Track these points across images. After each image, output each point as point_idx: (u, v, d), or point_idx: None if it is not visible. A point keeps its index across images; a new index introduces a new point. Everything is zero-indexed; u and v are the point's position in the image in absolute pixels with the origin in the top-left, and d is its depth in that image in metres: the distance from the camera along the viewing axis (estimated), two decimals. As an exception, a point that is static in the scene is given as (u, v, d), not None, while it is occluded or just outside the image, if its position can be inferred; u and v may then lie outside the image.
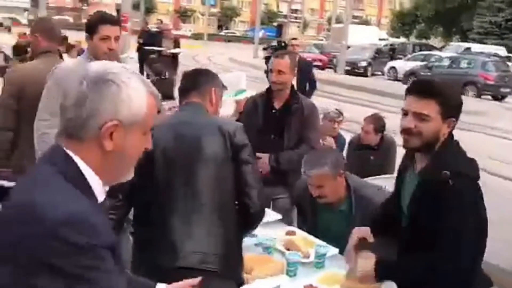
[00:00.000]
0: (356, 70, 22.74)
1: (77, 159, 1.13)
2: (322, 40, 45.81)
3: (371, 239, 2.15)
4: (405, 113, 1.90)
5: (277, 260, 2.37)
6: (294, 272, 2.28)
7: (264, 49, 16.23)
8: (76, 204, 1.07)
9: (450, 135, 1.91)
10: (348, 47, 24.71)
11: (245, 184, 2.06)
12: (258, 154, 3.26)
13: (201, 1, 58.67)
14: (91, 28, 2.85)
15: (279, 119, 3.28)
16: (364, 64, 23.31)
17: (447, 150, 1.88)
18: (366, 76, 22.63)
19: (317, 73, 17.25)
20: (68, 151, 1.13)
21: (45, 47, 3.19)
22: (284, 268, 2.27)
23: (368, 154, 4.47)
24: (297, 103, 3.28)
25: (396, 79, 21.42)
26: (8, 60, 8.26)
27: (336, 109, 5.02)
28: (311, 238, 2.67)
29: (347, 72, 21.91)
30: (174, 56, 10.12)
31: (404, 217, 2.01)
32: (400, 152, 2.54)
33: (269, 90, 3.36)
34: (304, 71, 6.98)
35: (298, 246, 2.50)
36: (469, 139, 9.68)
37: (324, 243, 2.50)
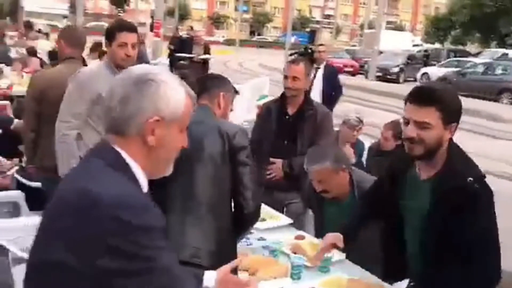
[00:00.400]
0: (388, 76, 22.48)
1: (123, 153, 1.24)
2: (355, 46, 45.42)
3: (341, 244, 2.28)
4: (406, 122, 1.90)
5: (282, 263, 2.41)
6: (298, 276, 2.31)
7: (291, 55, 16.26)
8: (128, 188, 1.19)
9: (452, 140, 1.93)
10: (381, 52, 24.51)
11: (241, 185, 2.14)
12: (271, 160, 3.33)
13: (234, 8, 59.25)
14: (110, 35, 2.99)
15: (292, 125, 3.33)
16: (396, 70, 23.02)
17: (456, 155, 1.90)
18: (398, 82, 22.34)
19: (347, 79, 17.23)
20: (115, 147, 1.24)
21: (69, 53, 3.35)
22: (288, 271, 2.32)
23: (387, 160, 4.45)
24: (311, 109, 3.32)
25: (428, 86, 21.10)
26: (43, 65, 8.57)
27: (357, 117, 5.02)
28: (314, 240, 2.72)
29: (379, 78, 21.70)
30: (205, 62, 10.28)
31: (416, 222, 1.99)
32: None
33: (283, 96, 3.41)
34: (330, 77, 7.00)
35: (304, 250, 2.53)
36: (504, 148, 9.49)
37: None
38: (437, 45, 39.24)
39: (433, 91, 1.88)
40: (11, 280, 2.77)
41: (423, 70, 22.85)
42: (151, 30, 19.89)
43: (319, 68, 7.31)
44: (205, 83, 2.41)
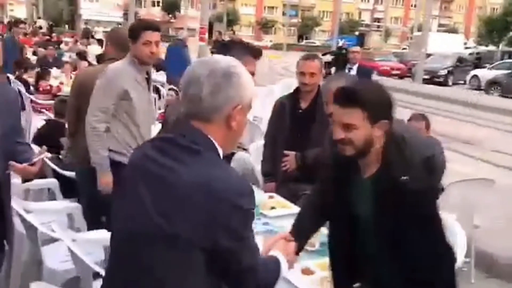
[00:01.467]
0: (436, 79, 22.02)
1: (211, 138, 1.42)
2: (405, 49, 44.53)
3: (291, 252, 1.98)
4: (334, 123, 1.85)
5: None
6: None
7: (323, 54, 16.26)
8: (235, 173, 1.41)
9: (391, 134, 1.85)
10: (430, 55, 23.99)
11: None
12: (285, 152, 3.46)
13: (282, 12, 59.50)
14: (135, 34, 3.19)
15: (305, 118, 3.45)
16: (444, 72, 22.52)
17: (392, 153, 1.83)
18: (447, 85, 21.82)
19: (388, 81, 16.92)
20: (204, 132, 1.42)
21: (112, 54, 3.61)
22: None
23: None
24: (322, 102, 3.42)
25: (478, 89, 20.49)
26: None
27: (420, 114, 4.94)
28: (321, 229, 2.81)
29: (426, 81, 21.25)
30: (243, 65, 10.56)
31: (364, 222, 1.91)
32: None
33: (296, 91, 3.54)
34: (363, 77, 7.02)
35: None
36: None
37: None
38: (491, 47, 37.86)
39: (355, 92, 1.80)
40: (40, 257, 3.05)
41: (473, 72, 22.23)
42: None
43: (351, 69, 7.37)
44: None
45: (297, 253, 2.00)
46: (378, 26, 60.39)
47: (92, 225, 3.30)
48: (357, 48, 7.55)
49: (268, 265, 1.63)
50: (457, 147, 8.86)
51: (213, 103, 1.40)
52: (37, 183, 3.86)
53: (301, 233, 2.09)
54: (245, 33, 61.43)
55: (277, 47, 49.01)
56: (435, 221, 1.84)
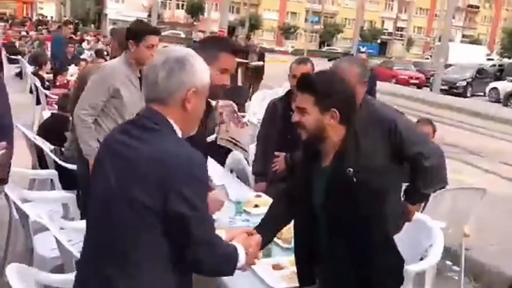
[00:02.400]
0: (454, 90, 21.77)
1: (169, 118, 1.58)
2: (427, 58, 44.13)
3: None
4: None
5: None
6: (268, 252, 2.50)
7: (329, 60, 16.44)
8: (193, 151, 1.56)
9: (349, 126, 1.91)
10: (450, 65, 23.77)
11: None
12: (276, 153, 3.53)
13: (304, 19, 59.54)
14: (139, 36, 3.25)
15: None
16: (463, 84, 22.26)
17: (349, 144, 1.89)
18: (465, 96, 21.58)
19: (403, 89, 16.71)
20: (162, 113, 1.57)
21: (115, 52, 3.75)
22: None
23: None
24: None
25: (497, 101, 20.20)
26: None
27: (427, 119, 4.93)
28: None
29: (444, 92, 21.06)
30: (258, 68, 10.71)
31: (317, 212, 1.99)
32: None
33: (289, 93, 3.60)
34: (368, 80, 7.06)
35: (281, 232, 2.70)
36: None
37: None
38: (515, 60, 37.31)
39: (311, 79, 1.92)
40: (31, 244, 3.17)
41: (492, 84, 21.91)
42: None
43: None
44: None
45: (261, 248, 2.07)
46: (401, 35, 59.95)
47: None
48: (363, 55, 7.61)
49: (225, 249, 1.71)
50: (466, 158, 8.82)
51: (167, 87, 1.57)
52: (37, 173, 4.00)
53: (268, 228, 2.15)
54: (266, 38, 61.63)
55: (297, 52, 48.99)
56: (380, 219, 1.90)
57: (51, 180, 4.14)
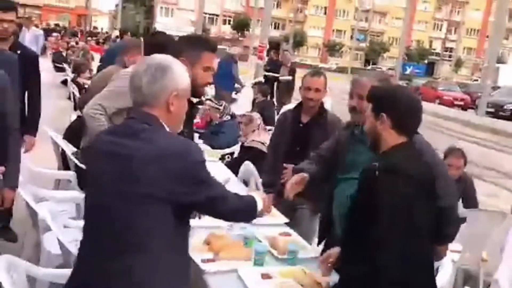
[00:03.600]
0: (501, 113, 20.99)
1: (159, 118, 1.75)
2: (476, 80, 42.90)
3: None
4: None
5: (247, 248, 2.57)
6: (261, 262, 2.46)
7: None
8: (185, 140, 1.83)
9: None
10: (498, 88, 23.03)
11: None
12: (284, 165, 3.46)
13: (350, 36, 59.25)
14: (176, 52, 3.32)
15: (304, 132, 3.49)
16: (510, 107, 21.41)
17: (398, 150, 2.03)
18: (512, 120, 20.78)
19: (450, 112, 16.27)
20: (152, 113, 1.75)
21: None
22: (251, 256, 2.48)
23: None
24: (322, 118, 3.48)
25: (547, 126, 19.33)
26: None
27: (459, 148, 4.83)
28: (299, 239, 2.83)
29: (490, 114, 20.38)
30: (289, 83, 10.73)
31: None
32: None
33: (299, 105, 3.59)
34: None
35: (277, 244, 2.67)
36: None
37: (299, 244, 2.66)
38: None
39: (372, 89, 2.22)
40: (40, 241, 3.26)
41: (543, 109, 21.02)
42: (267, 54, 20.52)
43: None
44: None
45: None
46: (450, 56, 58.62)
47: None
48: (392, 72, 7.50)
49: (243, 197, 2.03)
50: (506, 184, 8.48)
51: (151, 91, 1.75)
52: (54, 173, 4.13)
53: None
54: (311, 55, 61.67)
55: (341, 70, 48.79)
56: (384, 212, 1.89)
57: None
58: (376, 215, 1.89)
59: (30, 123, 3.89)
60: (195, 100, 2.55)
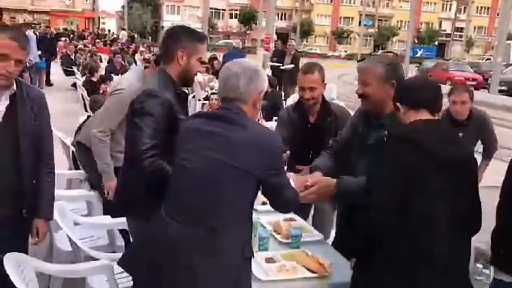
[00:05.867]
0: (514, 91, 20.71)
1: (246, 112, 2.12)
2: (489, 59, 42.26)
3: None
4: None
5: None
6: (265, 247, 2.52)
7: (358, 61, 16.23)
8: (272, 131, 2.40)
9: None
10: (510, 65, 22.69)
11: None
12: (298, 167, 3.29)
13: (358, 22, 58.71)
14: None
15: (314, 132, 3.35)
16: (524, 83, 21.10)
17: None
18: (526, 97, 20.46)
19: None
20: (242, 108, 2.11)
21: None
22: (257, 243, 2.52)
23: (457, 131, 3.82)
24: (330, 116, 3.35)
25: (562, 102, 19.01)
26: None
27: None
28: (303, 223, 2.87)
29: (503, 93, 20.10)
30: (292, 72, 10.65)
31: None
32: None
33: (301, 103, 3.41)
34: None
35: (281, 228, 2.71)
36: None
37: (305, 228, 2.69)
38: None
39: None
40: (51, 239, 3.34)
41: (557, 84, 20.66)
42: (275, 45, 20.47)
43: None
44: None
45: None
46: (460, 36, 57.73)
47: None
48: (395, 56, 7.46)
49: (296, 190, 2.29)
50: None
51: (247, 90, 2.09)
52: (63, 173, 4.22)
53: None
54: (320, 44, 61.30)
55: (350, 57, 48.43)
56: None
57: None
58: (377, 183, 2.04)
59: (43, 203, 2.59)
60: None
